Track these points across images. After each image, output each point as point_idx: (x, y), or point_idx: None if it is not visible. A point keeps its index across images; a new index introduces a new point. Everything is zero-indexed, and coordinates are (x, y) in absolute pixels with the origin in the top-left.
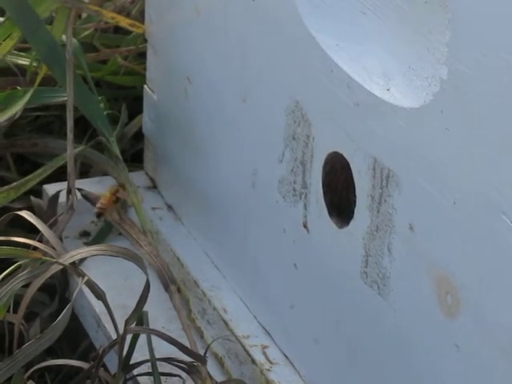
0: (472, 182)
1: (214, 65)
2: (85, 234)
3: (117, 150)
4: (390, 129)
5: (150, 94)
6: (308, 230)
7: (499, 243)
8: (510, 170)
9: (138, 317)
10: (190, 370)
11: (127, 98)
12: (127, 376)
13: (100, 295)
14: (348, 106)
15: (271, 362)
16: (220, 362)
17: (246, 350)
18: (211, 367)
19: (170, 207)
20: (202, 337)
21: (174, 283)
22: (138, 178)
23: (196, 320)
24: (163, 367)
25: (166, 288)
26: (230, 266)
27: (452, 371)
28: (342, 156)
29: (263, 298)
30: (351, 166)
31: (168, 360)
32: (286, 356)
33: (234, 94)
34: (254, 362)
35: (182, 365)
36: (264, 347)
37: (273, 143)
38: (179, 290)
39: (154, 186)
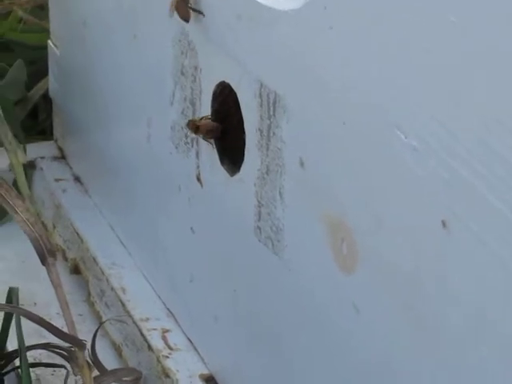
0: (361, 90)
1: (108, 4)
2: None
3: None
4: (273, 40)
5: (54, 49)
6: (201, 184)
7: (396, 164)
8: (404, 71)
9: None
10: (69, 356)
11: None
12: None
13: None
14: (230, 21)
15: (171, 348)
16: (118, 350)
17: (142, 334)
18: (108, 357)
19: (77, 179)
20: (100, 322)
21: (52, 255)
22: (46, 148)
23: (95, 304)
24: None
25: (43, 261)
26: (134, 240)
27: (354, 335)
28: (230, 88)
29: (165, 274)
30: (238, 96)
31: (45, 346)
32: (190, 341)
33: (124, 33)
34: (150, 348)
35: (61, 351)
36: (165, 331)
37: (163, 83)
38: (79, 271)
39: (62, 156)
